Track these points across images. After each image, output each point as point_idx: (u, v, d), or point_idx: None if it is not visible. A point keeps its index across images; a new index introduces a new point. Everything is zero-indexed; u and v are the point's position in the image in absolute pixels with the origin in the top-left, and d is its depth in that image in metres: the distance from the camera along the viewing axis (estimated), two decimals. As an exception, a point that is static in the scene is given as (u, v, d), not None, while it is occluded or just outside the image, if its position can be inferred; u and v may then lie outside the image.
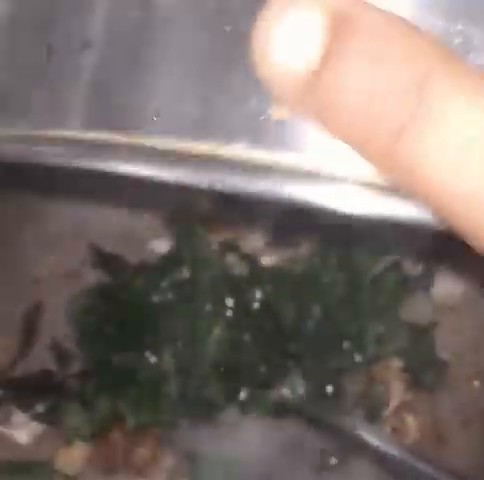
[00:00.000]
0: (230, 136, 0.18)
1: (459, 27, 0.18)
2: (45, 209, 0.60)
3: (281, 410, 0.56)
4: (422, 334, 0.59)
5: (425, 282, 0.60)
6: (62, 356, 0.57)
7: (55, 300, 0.59)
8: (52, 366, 0.57)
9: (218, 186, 0.18)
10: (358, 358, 0.58)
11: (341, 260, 0.60)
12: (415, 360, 0.58)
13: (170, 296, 0.57)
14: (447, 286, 0.60)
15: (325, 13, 0.17)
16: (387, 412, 0.58)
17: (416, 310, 0.60)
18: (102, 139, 0.19)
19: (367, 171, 0.18)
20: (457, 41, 0.18)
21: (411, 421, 0.57)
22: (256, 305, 0.57)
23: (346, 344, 0.57)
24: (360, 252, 0.61)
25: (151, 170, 0.19)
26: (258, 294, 0.57)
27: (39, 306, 0.59)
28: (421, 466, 0.54)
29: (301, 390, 0.56)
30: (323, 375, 0.57)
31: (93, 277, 0.60)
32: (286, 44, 0.17)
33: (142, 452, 0.55)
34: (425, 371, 0.58)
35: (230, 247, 0.60)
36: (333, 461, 0.56)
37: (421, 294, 0.60)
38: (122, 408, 0.55)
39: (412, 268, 0.61)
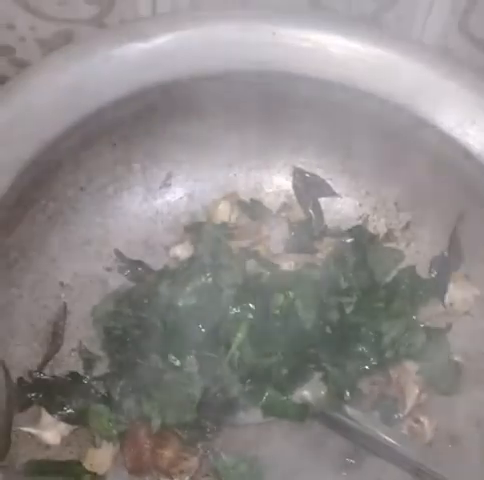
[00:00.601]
0: None
1: None
2: (72, 216, 0.61)
3: (302, 412, 0.56)
4: (437, 337, 0.60)
5: (440, 287, 0.61)
6: (88, 359, 0.58)
7: (81, 304, 0.60)
8: (79, 369, 0.58)
9: None
10: (375, 361, 0.58)
11: (357, 265, 0.61)
12: (430, 363, 0.59)
13: (193, 301, 0.57)
14: (461, 290, 0.61)
15: None
16: (403, 414, 0.58)
17: (431, 314, 0.61)
18: None
19: None
20: None
21: (427, 422, 0.58)
22: (277, 310, 0.57)
23: (363, 347, 0.58)
24: (376, 257, 0.62)
25: None
26: (279, 299, 0.57)
27: (65, 310, 0.60)
28: (436, 466, 0.54)
29: (321, 392, 0.57)
30: (342, 378, 0.57)
31: (118, 282, 0.61)
32: None
33: (167, 453, 0.55)
34: (440, 374, 0.59)
35: (250, 253, 0.60)
36: (352, 461, 0.57)
37: (436, 298, 0.61)
38: (147, 410, 0.55)
39: (427, 273, 0.62)
